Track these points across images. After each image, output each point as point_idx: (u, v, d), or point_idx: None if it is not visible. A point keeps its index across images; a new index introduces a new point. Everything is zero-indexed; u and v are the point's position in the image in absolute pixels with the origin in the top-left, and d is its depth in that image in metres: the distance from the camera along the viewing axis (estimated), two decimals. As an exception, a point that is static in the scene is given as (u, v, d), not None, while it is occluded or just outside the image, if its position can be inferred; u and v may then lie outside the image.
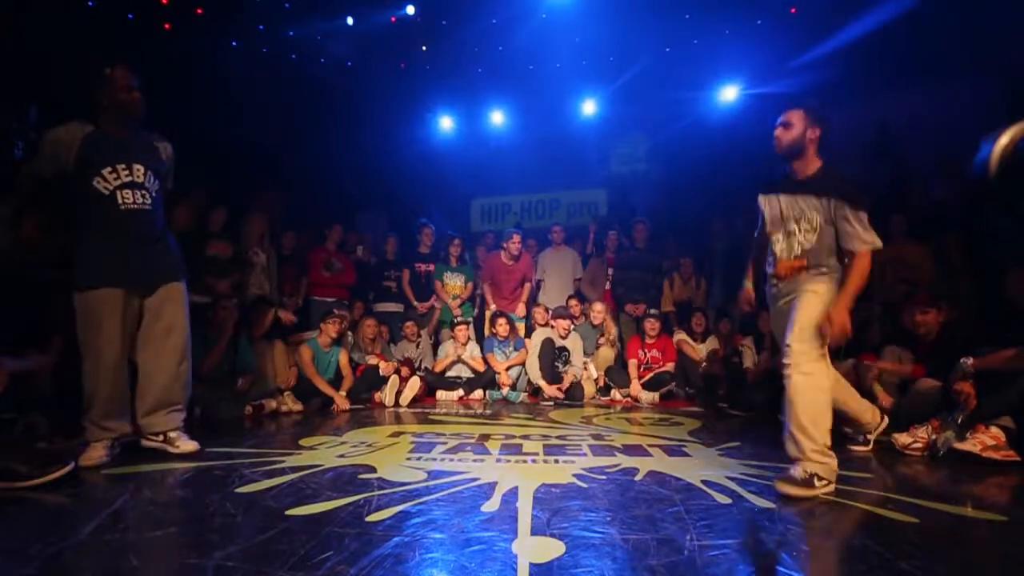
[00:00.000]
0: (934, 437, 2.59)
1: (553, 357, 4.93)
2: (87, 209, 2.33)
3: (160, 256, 2.48)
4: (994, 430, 2.45)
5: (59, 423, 2.72)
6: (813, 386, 2.01)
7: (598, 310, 5.29)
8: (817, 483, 1.91)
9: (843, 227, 2.13)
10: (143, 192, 2.39)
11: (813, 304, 2.12)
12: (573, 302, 5.46)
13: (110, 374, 2.34)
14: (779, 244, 2.30)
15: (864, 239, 2.10)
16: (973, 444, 2.43)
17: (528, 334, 5.31)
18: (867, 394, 3.05)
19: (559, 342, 4.97)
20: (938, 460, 2.49)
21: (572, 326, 5.17)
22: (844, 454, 2.62)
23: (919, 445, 2.64)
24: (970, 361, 2.64)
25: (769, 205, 2.34)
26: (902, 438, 2.69)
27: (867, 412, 2.71)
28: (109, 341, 2.32)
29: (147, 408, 2.47)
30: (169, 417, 2.50)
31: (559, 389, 4.71)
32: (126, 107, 2.38)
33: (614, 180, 8.48)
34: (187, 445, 2.50)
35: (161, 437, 2.49)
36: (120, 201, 2.33)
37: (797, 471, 1.93)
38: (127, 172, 2.35)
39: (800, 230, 2.22)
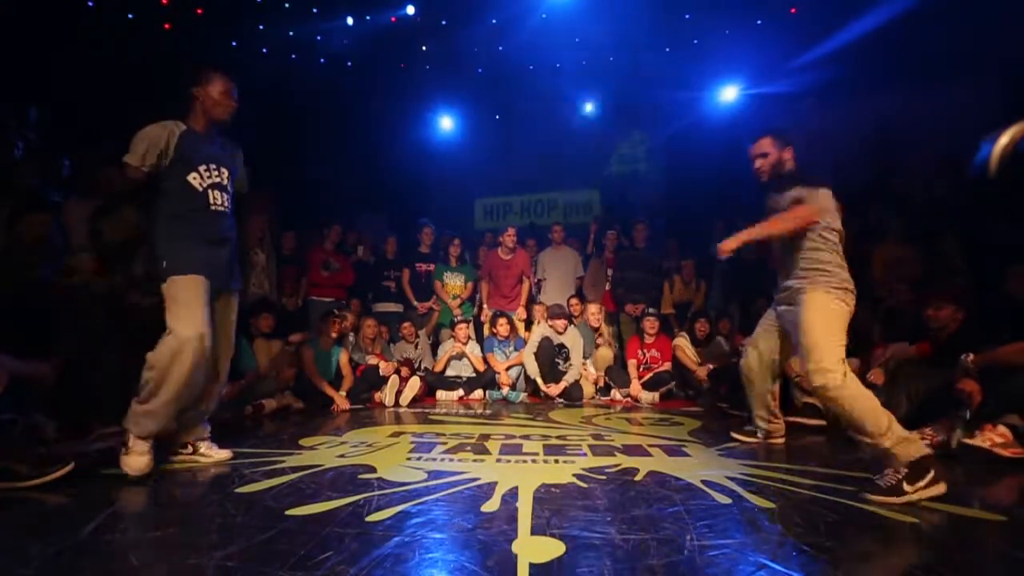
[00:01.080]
0: (946, 435, 2.59)
1: (553, 354, 4.93)
2: (178, 206, 2.25)
3: (233, 261, 2.43)
4: (1001, 428, 2.46)
5: (66, 425, 2.72)
6: (851, 397, 1.98)
7: (593, 312, 5.29)
8: (907, 487, 1.81)
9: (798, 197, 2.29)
10: (226, 195, 2.38)
11: (812, 323, 2.15)
12: (574, 301, 5.46)
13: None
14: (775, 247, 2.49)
15: (807, 201, 2.25)
16: (983, 440, 2.44)
17: (528, 331, 5.33)
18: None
19: (557, 339, 4.97)
20: (949, 457, 2.49)
21: (572, 325, 5.17)
22: (849, 454, 2.62)
23: (927, 442, 2.65)
24: (970, 358, 2.64)
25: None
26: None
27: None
28: (205, 323, 2.17)
29: (185, 413, 2.31)
30: (203, 426, 2.42)
31: (556, 391, 4.72)
32: (219, 111, 2.40)
33: (613, 180, 8.48)
34: (220, 453, 2.40)
35: (190, 449, 2.37)
36: (211, 201, 2.30)
37: (883, 479, 1.89)
38: (217, 173, 2.35)
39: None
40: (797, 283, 2.31)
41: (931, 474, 1.83)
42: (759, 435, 2.91)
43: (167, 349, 2.09)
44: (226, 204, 2.37)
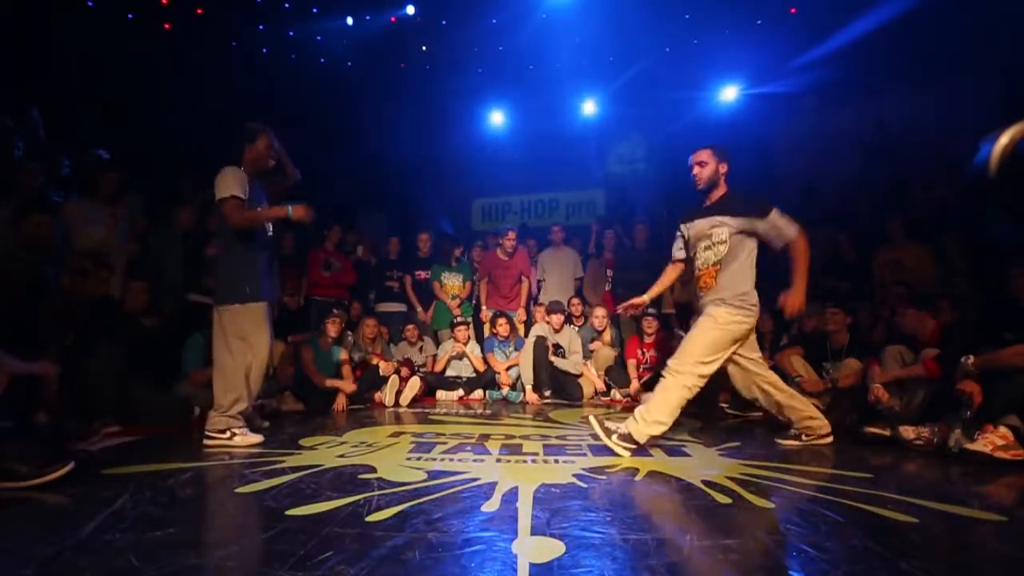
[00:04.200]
0: (944, 437, 2.59)
1: (547, 354, 4.88)
2: (252, 232, 2.83)
3: (277, 274, 3.09)
4: (1002, 430, 2.45)
5: (69, 425, 2.73)
6: (674, 386, 2.55)
7: (600, 315, 5.27)
8: (625, 441, 2.51)
9: (766, 234, 2.59)
10: (270, 225, 2.97)
11: (705, 327, 2.60)
12: (575, 301, 5.45)
13: (261, 371, 2.84)
14: (699, 259, 2.76)
15: (788, 230, 2.55)
16: (984, 444, 2.43)
17: (528, 333, 5.30)
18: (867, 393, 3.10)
19: (553, 338, 4.94)
20: (948, 459, 2.49)
21: (571, 326, 5.16)
22: (849, 453, 2.62)
23: (921, 442, 2.67)
24: (970, 360, 2.64)
25: (689, 230, 2.84)
26: (907, 432, 2.71)
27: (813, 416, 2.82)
28: (267, 343, 2.84)
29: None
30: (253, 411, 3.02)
31: (542, 397, 4.65)
32: (262, 166, 2.95)
33: (613, 180, 8.48)
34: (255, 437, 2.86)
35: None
36: (267, 228, 2.94)
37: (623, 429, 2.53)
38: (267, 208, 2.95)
39: (714, 244, 2.68)
40: (708, 305, 2.69)
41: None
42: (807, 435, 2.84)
43: (232, 369, 2.76)
44: (272, 230, 3.00)
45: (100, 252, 3.62)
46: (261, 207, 2.91)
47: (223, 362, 2.75)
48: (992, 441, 2.43)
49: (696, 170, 2.73)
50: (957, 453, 2.49)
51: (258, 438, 2.77)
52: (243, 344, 2.75)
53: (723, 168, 2.71)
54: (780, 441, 2.86)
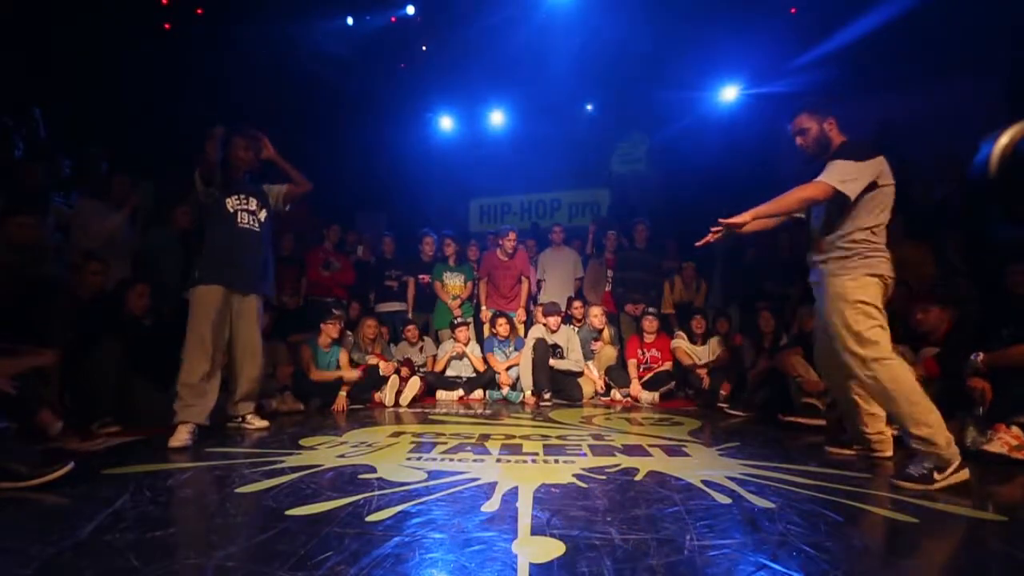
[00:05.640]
0: (957, 436, 2.57)
1: (547, 356, 4.86)
2: (216, 223, 3.06)
3: (257, 269, 3.13)
4: (1015, 429, 2.43)
5: (71, 425, 2.72)
6: (895, 376, 2.07)
7: (595, 314, 5.27)
8: (937, 476, 1.95)
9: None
10: (254, 218, 3.14)
11: (839, 309, 2.27)
12: (577, 303, 5.44)
13: (209, 356, 2.89)
14: (814, 224, 2.48)
15: (826, 177, 2.21)
16: (1000, 445, 2.40)
17: (528, 333, 5.30)
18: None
19: (551, 339, 4.94)
20: (964, 458, 2.48)
21: (570, 326, 5.16)
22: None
23: None
24: (980, 357, 2.62)
25: None
26: None
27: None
28: (211, 328, 2.90)
29: (237, 397, 3.16)
30: (250, 404, 3.23)
31: (539, 400, 4.58)
32: (239, 164, 3.15)
33: (614, 180, 8.48)
34: (261, 423, 3.20)
35: (240, 419, 3.18)
36: (238, 218, 3.08)
37: (914, 468, 2.01)
38: (244, 201, 3.13)
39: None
40: (829, 266, 2.38)
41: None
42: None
43: (188, 349, 2.91)
44: (252, 223, 3.11)
45: (109, 245, 3.62)
46: (238, 197, 3.10)
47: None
48: (1007, 442, 2.40)
49: (799, 140, 2.43)
50: (974, 453, 2.46)
51: (181, 442, 2.64)
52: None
53: (830, 125, 2.42)
54: (830, 449, 2.64)
